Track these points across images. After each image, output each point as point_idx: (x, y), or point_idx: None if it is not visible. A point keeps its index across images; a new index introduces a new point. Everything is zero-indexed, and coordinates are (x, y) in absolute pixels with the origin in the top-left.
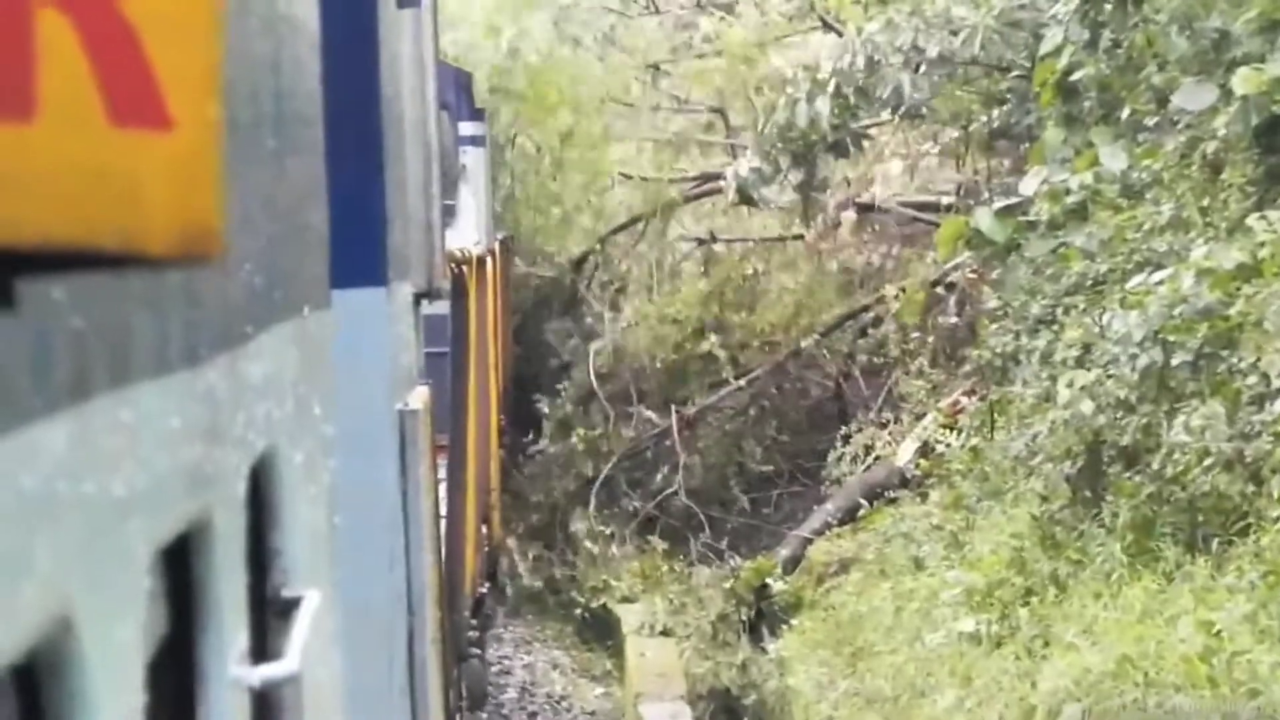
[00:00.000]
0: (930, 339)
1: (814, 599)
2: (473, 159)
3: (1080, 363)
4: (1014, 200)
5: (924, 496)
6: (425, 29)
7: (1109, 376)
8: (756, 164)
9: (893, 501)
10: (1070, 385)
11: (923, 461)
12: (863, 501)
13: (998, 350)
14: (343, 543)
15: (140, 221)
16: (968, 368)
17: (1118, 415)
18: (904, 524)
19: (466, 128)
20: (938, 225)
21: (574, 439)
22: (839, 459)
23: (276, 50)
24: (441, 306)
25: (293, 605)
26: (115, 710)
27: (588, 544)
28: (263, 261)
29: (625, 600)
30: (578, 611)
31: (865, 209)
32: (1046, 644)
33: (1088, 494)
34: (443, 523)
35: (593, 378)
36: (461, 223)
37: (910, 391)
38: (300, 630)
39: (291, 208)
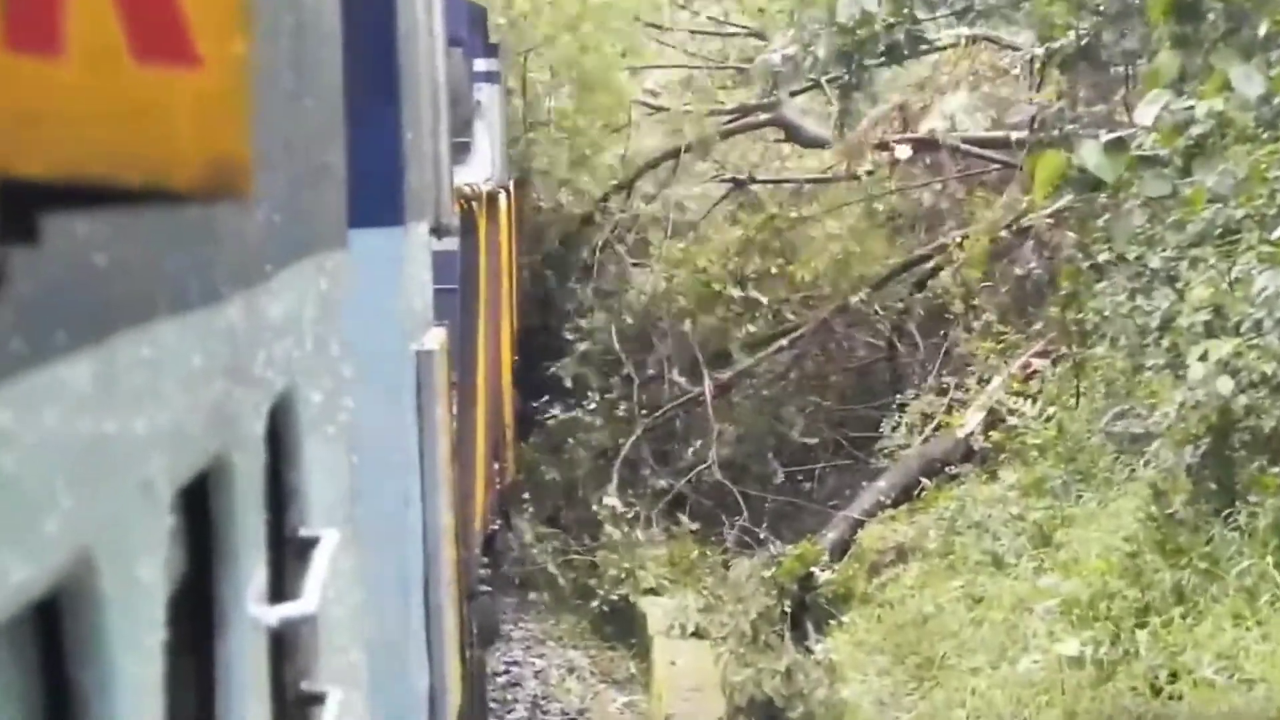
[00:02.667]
0: (1004, 292)
1: (867, 592)
2: (487, 95)
3: (1210, 329)
4: (1125, 133)
5: (993, 475)
6: None
7: (1250, 347)
8: (791, 51)
9: (954, 478)
10: (1203, 358)
11: (993, 434)
12: (921, 479)
13: (1106, 313)
14: (359, 483)
15: (167, 157)
16: (1039, 325)
17: (1260, 395)
18: (975, 510)
19: (480, 64)
20: (1005, 163)
21: (593, 406)
22: (893, 429)
23: None
24: (451, 243)
25: (311, 545)
26: (135, 647)
27: (608, 527)
28: (281, 200)
29: (650, 592)
30: (596, 604)
31: (922, 144)
32: (1174, 676)
33: (1213, 487)
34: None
35: (614, 336)
36: (475, 160)
37: (974, 352)
38: (318, 570)
39: (310, 146)
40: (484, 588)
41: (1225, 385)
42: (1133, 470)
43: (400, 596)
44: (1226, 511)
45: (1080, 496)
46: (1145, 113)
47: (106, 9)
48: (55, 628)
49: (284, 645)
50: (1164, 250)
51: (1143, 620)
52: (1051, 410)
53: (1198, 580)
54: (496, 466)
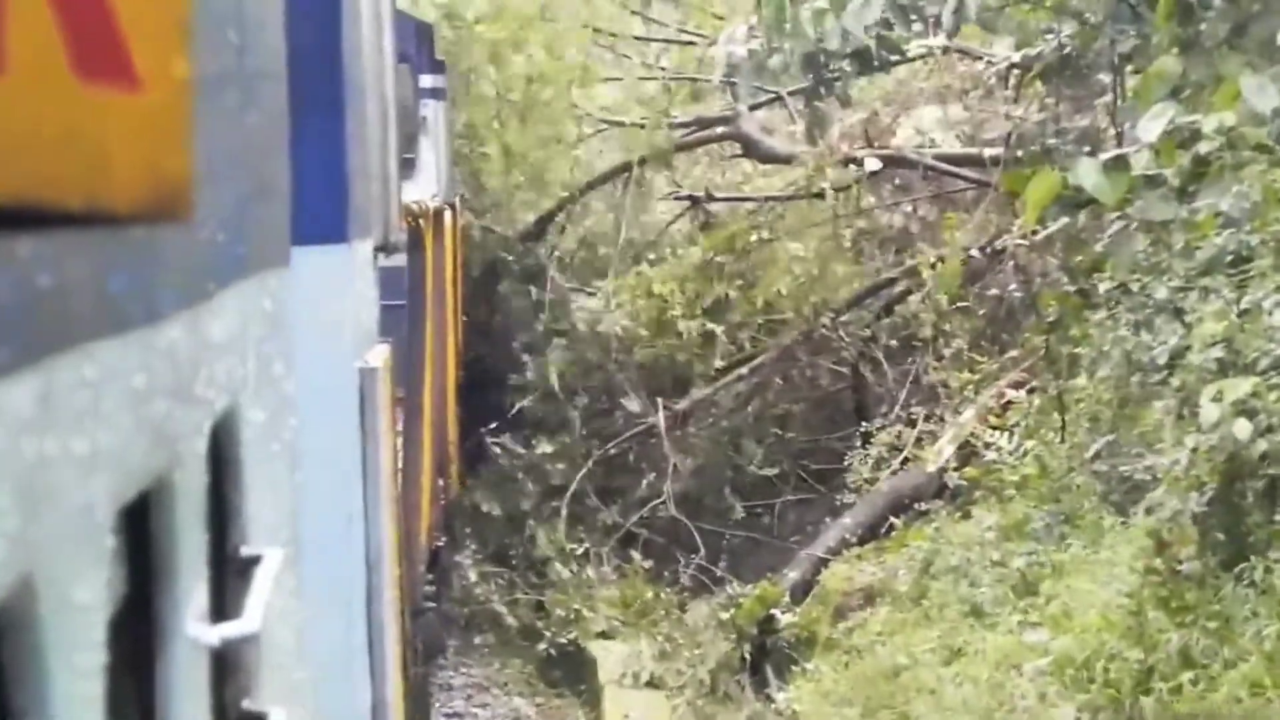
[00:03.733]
0: (981, 316)
1: (831, 637)
2: (433, 112)
3: (1223, 367)
4: (1128, 150)
5: (966, 513)
6: None
7: (1270, 387)
8: (756, 45)
9: (924, 515)
10: (1218, 398)
11: (969, 471)
12: (889, 516)
13: (1105, 347)
14: (302, 500)
15: (107, 181)
16: (1015, 353)
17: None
18: (951, 554)
19: (426, 80)
20: (979, 182)
21: (540, 438)
22: (858, 462)
23: (239, 2)
24: (398, 259)
25: (253, 564)
26: (75, 668)
27: (557, 565)
28: (224, 219)
29: (601, 635)
30: (543, 647)
31: (892, 161)
32: None
33: (1221, 538)
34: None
35: (564, 364)
36: (421, 176)
37: (945, 382)
38: (260, 589)
39: (253, 164)
40: (429, 603)
41: (1242, 429)
42: (1125, 516)
43: (343, 613)
44: (1239, 566)
45: (1067, 542)
46: (1148, 127)
47: (47, 28)
48: None
49: (226, 664)
50: (1170, 279)
51: (1146, 686)
52: (1030, 445)
53: (1208, 642)
54: (441, 482)
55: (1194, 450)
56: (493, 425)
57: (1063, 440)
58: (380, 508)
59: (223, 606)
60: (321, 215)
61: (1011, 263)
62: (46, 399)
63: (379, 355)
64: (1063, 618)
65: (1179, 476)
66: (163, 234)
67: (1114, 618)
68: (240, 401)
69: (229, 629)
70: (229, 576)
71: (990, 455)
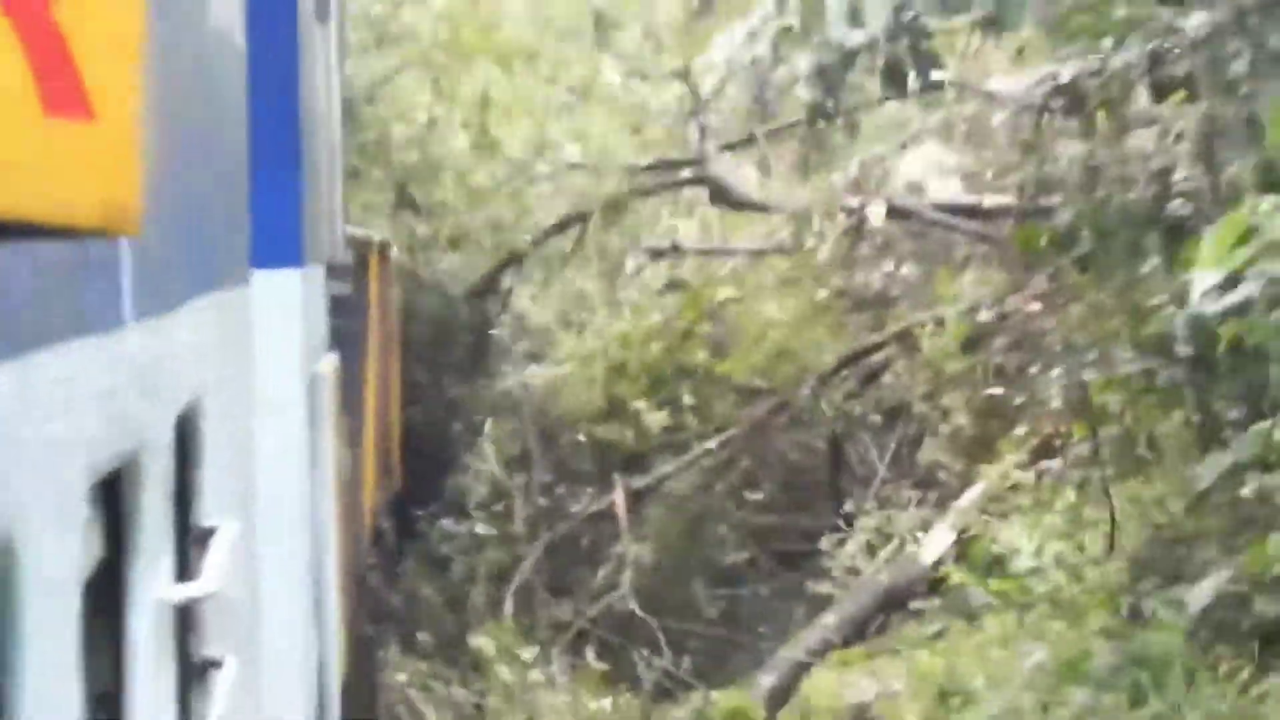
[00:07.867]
0: (981, 386)
1: None
2: None
3: None
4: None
5: (970, 616)
6: (333, 36)
7: None
8: (762, 51)
9: (916, 615)
10: None
11: (994, 583)
12: (877, 615)
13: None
14: (258, 484)
15: (66, 198)
16: (1021, 430)
17: None
18: (980, 683)
19: None
20: (982, 237)
21: (481, 521)
22: (836, 545)
23: (205, 57)
24: (345, 286)
25: (212, 533)
26: (54, 623)
27: (499, 667)
28: (190, 241)
29: None
30: None
31: (890, 212)
32: None
33: None
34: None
35: (509, 438)
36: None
37: (941, 462)
38: (217, 555)
39: (217, 196)
40: (371, 576)
41: None
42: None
43: (292, 579)
44: None
45: (1141, 693)
46: None
47: (21, 68)
48: None
49: (187, 619)
50: None
51: None
52: (1056, 548)
53: None
54: (387, 478)
55: None
56: (431, 506)
57: (1110, 549)
58: (326, 490)
59: (186, 570)
60: (278, 242)
61: (1029, 328)
62: (25, 389)
63: (327, 363)
64: None
65: None
66: (131, 251)
67: None
68: (202, 398)
69: (189, 588)
70: (191, 545)
71: (999, 549)
